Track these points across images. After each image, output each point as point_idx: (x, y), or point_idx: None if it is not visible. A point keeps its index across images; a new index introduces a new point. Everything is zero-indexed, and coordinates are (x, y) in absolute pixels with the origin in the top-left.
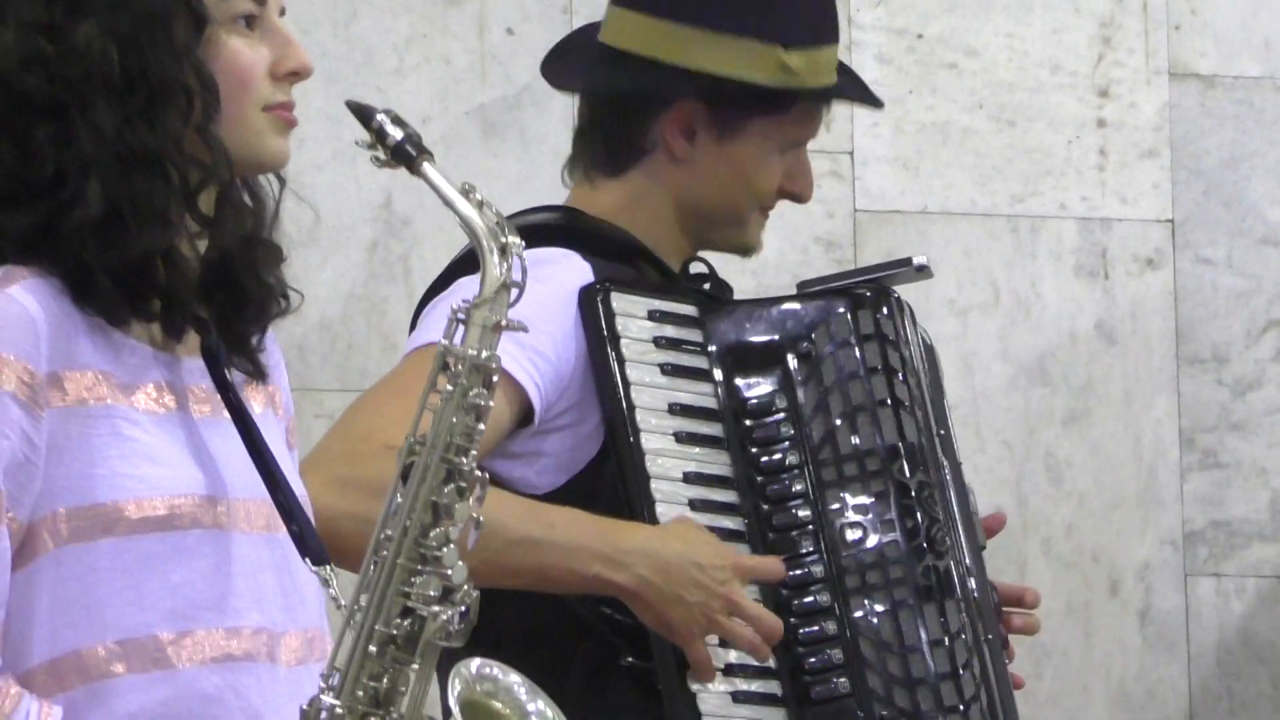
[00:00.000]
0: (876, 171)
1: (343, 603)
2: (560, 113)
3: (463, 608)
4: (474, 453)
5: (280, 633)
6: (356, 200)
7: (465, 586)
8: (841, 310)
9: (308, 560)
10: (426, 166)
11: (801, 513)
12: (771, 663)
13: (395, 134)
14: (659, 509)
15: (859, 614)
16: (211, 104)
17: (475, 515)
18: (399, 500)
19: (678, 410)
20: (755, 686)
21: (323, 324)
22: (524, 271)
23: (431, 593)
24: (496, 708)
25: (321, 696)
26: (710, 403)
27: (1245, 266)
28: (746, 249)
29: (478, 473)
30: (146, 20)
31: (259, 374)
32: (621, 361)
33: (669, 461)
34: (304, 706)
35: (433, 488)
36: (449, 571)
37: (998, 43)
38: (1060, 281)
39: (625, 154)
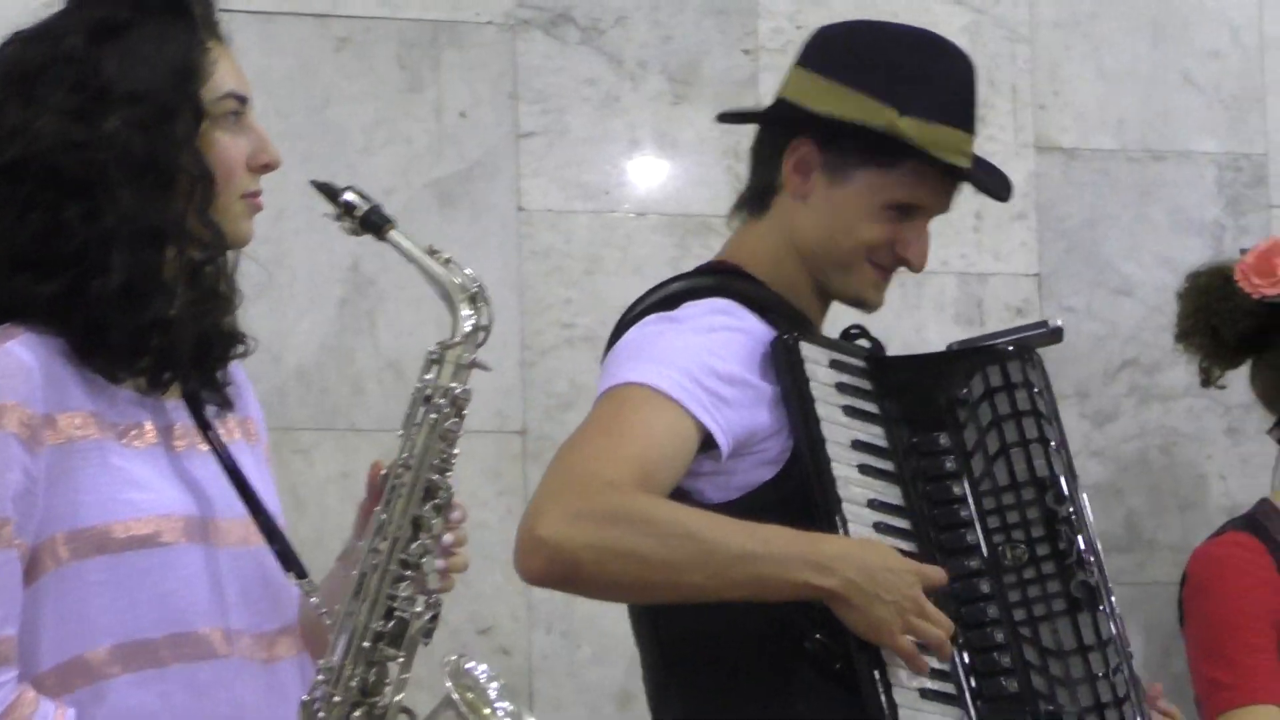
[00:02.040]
0: None
1: (322, 610)
2: (506, 185)
3: (436, 610)
4: (450, 473)
5: (260, 633)
6: (328, 263)
7: (438, 593)
8: (992, 362)
9: (292, 575)
10: (393, 233)
11: (968, 536)
12: (945, 666)
13: (362, 206)
14: (851, 528)
15: (1022, 623)
16: (210, 189)
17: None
18: (384, 516)
19: (860, 446)
20: (936, 685)
21: (299, 371)
22: (490, 318)
23: (414, 597)
24: (470, 699)
25: (319, 688)
26: (883, 442)
27: (1102, 314)
28: (859, 301)
29: (452, 491)
30: (159, 113)
31: (227, 404)
32: (813, 401)
33: (855, 489)
34: (304, 698)
35: (414, 505)
36: (428, 579)
37: None
38: (942, 328)
39: (764, 191)
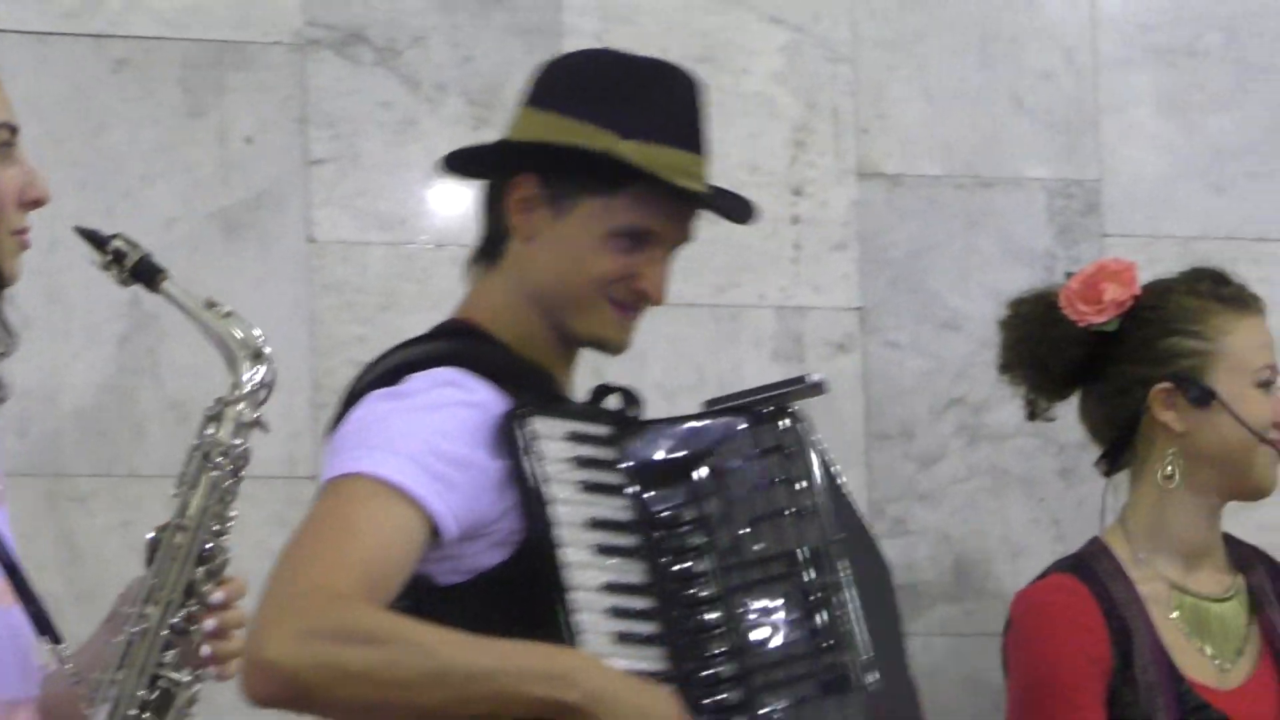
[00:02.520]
0: None
1: (75, 678)
2: (296, 214)
3: (202, 681)
4: (225, 537)
5: (14, 700)
6: (107, 298)
7: (207, 668)
8: (744, 426)
9: (46, 639)
10: (167, 285)
11: (711, 616)
12: None
13: (132, 255)
14: (578, 617)
15: (765, 710)
16: None
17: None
18: (154, 580)
19: (598, 524)
20: None
21: (76, 413)
22: (274, 375)
23: (181, 666)
24: None
25: None
26: (625, 515)
27: (929, 349)
28: (601, 343)
29: (228, 556)
30: None
31: None
32: (543, 481)
33: (590, 573)
34: None
35: (188, 569)
36: (197, 648)
37: None
38: (760, 365)
39: (494, 240)
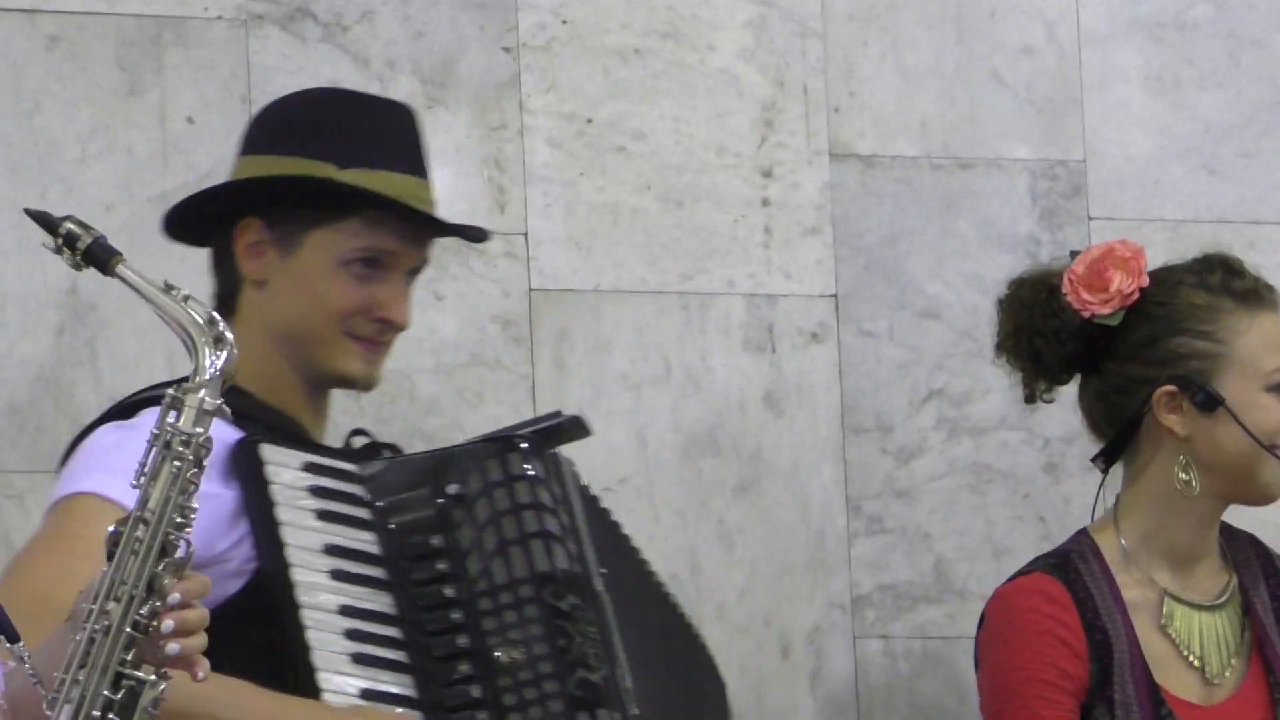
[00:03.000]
0: (550, 251)
1: (35, 679)
2: None
3: (167, 680)
4: (189, 530)
5: None
6: (43, 286)
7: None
8: (492, 454)
9: (2, 638)
10: (121, 268)
11: (460, 640)
12: None
13: (84, 238)
14: (309, 634)
15: None
16: None
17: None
18: (114, 575)
19: (335, 551)
20: None
21: (11, 407)
22: (234, 359)
23: (143, 664)
24: None
25: None
26: (372, 548)
27: (906, 338)
28: (350, 380)
29: (191, 549)
30: None
31: None
32: (272, 505)
33: (324, 596)
34: None
35: (150, 563)
36: (160, 646)
37: (664, 126)
38: (729, 355)
39: (229, 294)
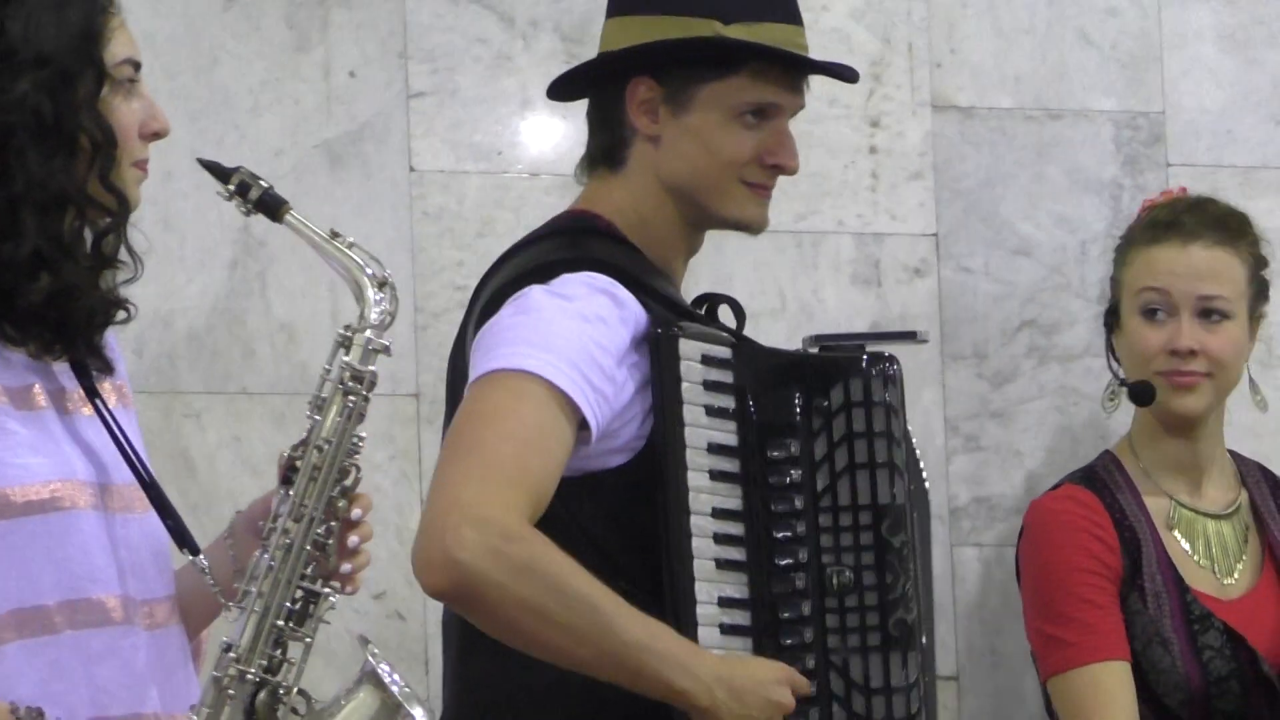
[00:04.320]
0: None
1: (215, 587)
2: (397, 145)
3: (339, 592)
4: (357, 455)
5: (149, 600)
6: (218, 225)
7: (343, 585)
8: (857, 374)
9: (186, 551)
10: (290, 216)
11: (800, 552)
12: None
13: (256, 188)
14: (695, 542)
15: (834, 653)
16: (112, 153)
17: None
18: (294, 497)
19: (715, 449)
20: None
21: (190, 334)
22: (397, 304)
23: (320, 578)
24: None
25: (229, 665)
26: (734, 441)
27: (1000, 274)
28: (743, 224)
29: (358, 475)
30: (64, 76)
31: (108, 368)
32: (682, 404)
33: (703, 498)
34: (214, 674)
35: (328, 487)
36: (332, 561)
37: None
38: (839, 289)
39: (617, 146)
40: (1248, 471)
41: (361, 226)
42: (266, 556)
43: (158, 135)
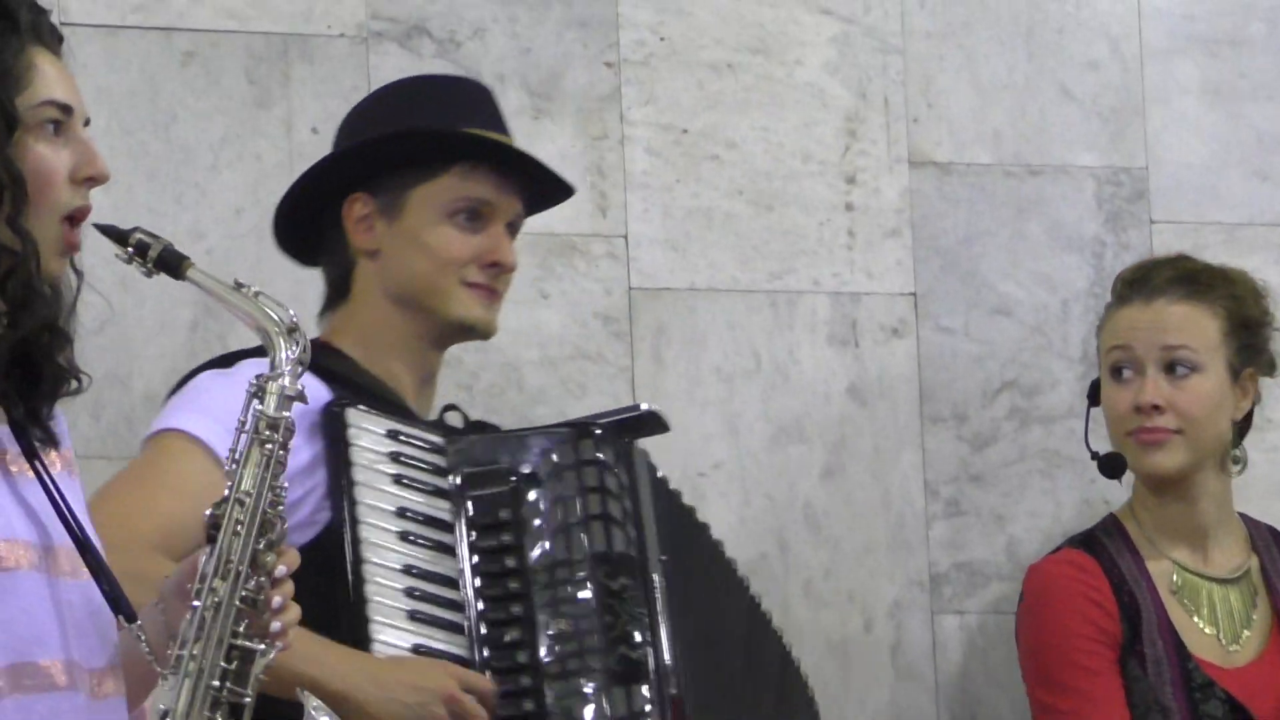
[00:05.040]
0: (649, 252)
1: (150, 655)
2: None
3: (278, 647)
4: (281, 507)
5: (95, 669)
6: (178, 285)
7: (276, 640)
8: (566, 440)
9: (121, 618)
10: (193, 272)
11: (514, 608)
12: None
13: (155, 246)
14: (367, 588)
15: (552, 696)
16: (20, 196)
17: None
18: (218, 554)
19: (406, 514)
20: None
21: (147, 396)
22: (307, 349)
23: (253, 635)
24: None
25: None
26: (445, 516)
27: (980, 334)
28: (468, 325)
29: (283, 526)
30: None
31: (52, 441)
32: (350, 466)
33: (390, 554)
34: None
35: (251, 540)
36: (267, 617)
37: (754, 135)
38: (815, 349)
39: (344, 276)
40: (1258, 535)
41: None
42: (196, 617)
43: (93, 180)
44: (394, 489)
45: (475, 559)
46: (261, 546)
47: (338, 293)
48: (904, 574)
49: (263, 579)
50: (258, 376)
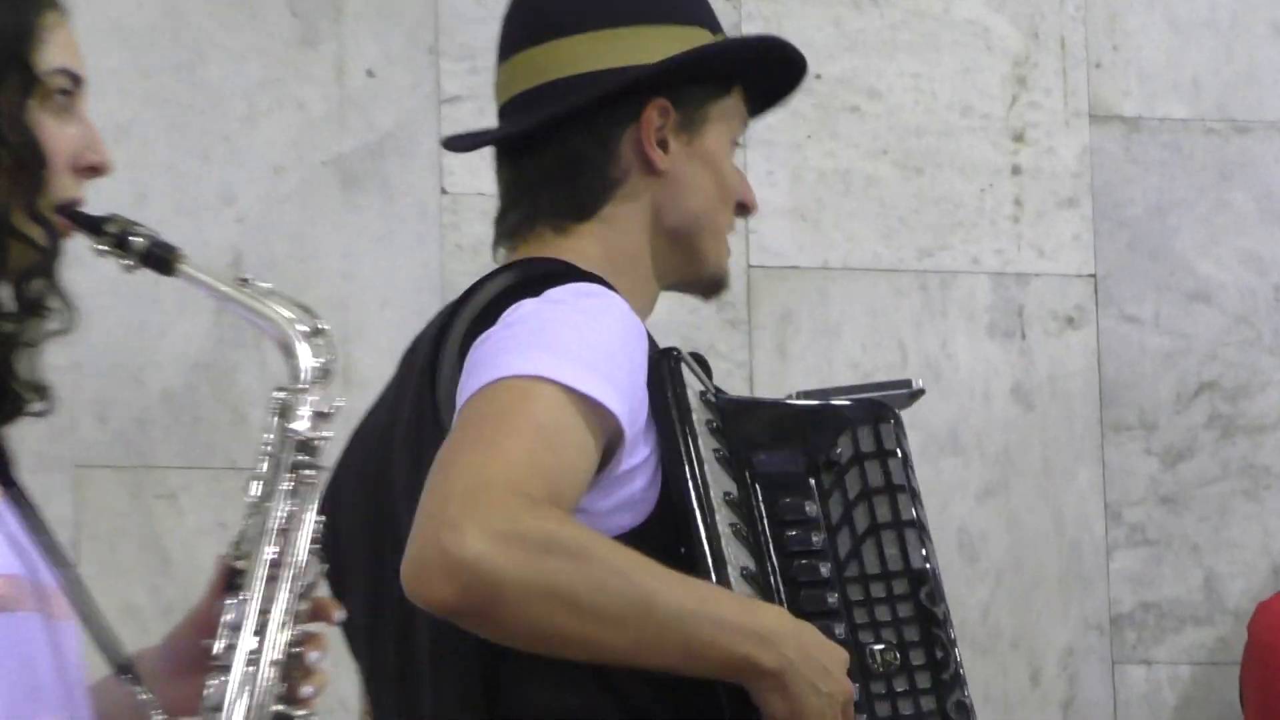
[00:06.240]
0: (772, 224)
1: (155, 710)
2: (426, 161)
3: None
4: (316, 545)
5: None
6: (203, 258)
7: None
8: (866, 422)
9: (127, 677)
10: (186, 267)
11: (836, 628)
12: None
13: (140, 239)
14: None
15: None
16: (39, 176)
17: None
18: (249, 602)
19: (730, 501)
20: None
21: (165, 395)
22: (335, 352)
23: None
24: None
25: None
26: (738, 496)
27: (1174, 324)
28: (720, 277)
29: (320, 572)
30: None
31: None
32: (695, 438)
33: (730, 549)
34: None
35: (289, 589)
36: (301, 678)
37: (903, 84)
38: (973, 342)
39: (597, 190)
40: None
41: (381, 260)
42: (230, 684)
43: (96, 171)
44: (718, 471)
45: (786, 561)
46: (300, 595)
47: (575, 212)
48: (1079, 615)
49: (300, 632)
50: (279, 389)
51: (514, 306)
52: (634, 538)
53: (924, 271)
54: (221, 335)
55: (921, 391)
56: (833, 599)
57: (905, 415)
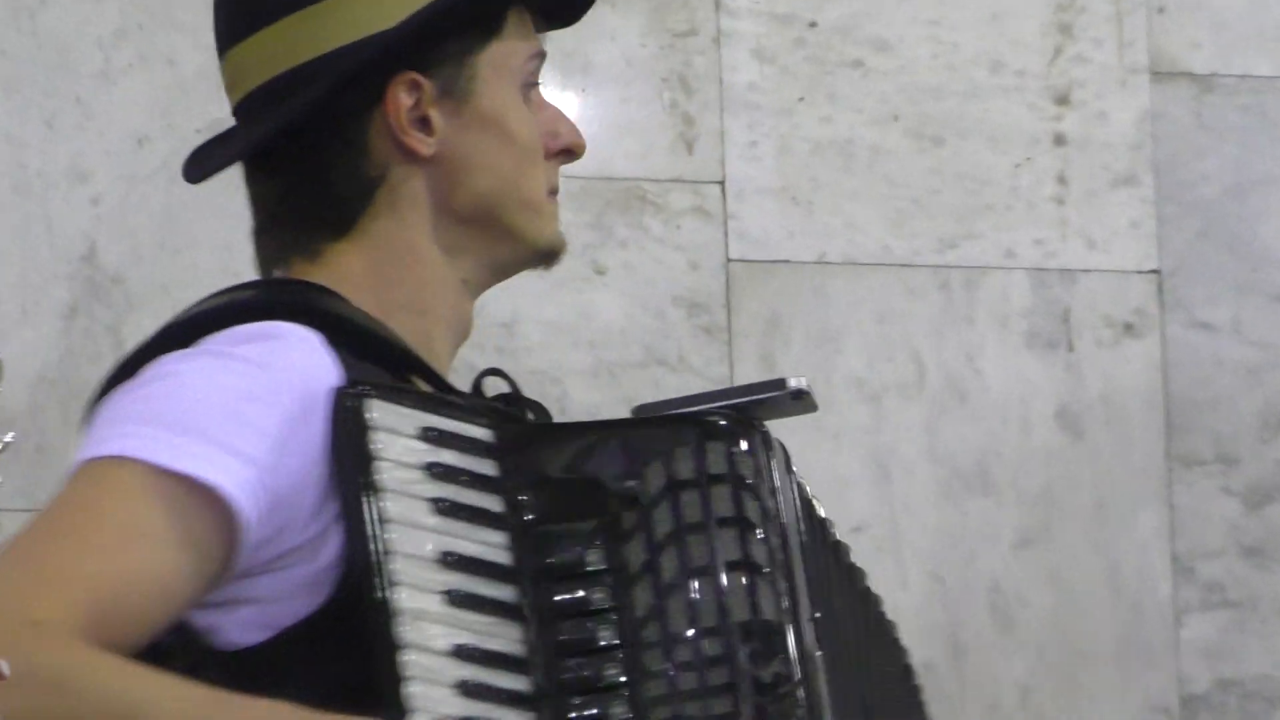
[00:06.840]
0: (755, 207)
1: None
2: None
3: None
4: None
5: None
6: (49, 249)
7: None
8: (686, 442)
9: None
10: None
11: (615, 710)
12: None
13: None
14: (412, 688)
15: None
16: None
17: None
18: None
19: (454, 563)
20: None
21: (5, 418)
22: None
23: None
24: None
25: None
26: (503, 558)
27: (1258, 332)
28: (548, 248)
29: None
30: None
31: None
32: (376, 491)
33: (434, 629)
34: None
35: None
36: None
37: (917, 33)
38: (1007, 354)
39: (353, 198)
40: None
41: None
42: None
43: None
44: (434, 521)
45: (552, 627)
46: None
47: (329, 223)
48: (1141, 695)
49: None
50: None
51: (159, 360)
52: (309, 626)
53: (945, 267)
54: (71, 346)
55: (806, 393)
56: (612, 672)
57: (922, 440)
